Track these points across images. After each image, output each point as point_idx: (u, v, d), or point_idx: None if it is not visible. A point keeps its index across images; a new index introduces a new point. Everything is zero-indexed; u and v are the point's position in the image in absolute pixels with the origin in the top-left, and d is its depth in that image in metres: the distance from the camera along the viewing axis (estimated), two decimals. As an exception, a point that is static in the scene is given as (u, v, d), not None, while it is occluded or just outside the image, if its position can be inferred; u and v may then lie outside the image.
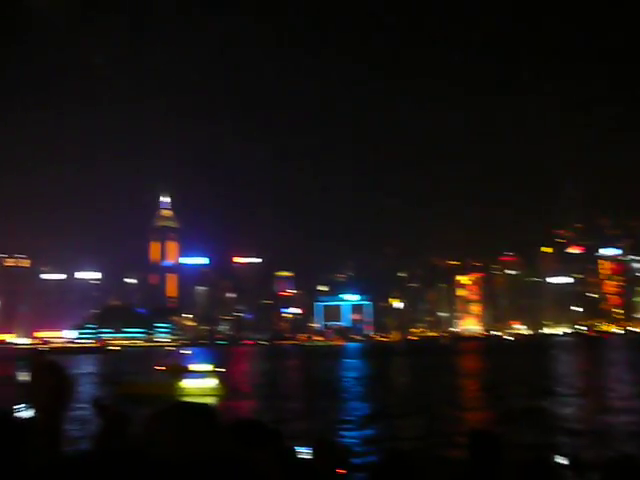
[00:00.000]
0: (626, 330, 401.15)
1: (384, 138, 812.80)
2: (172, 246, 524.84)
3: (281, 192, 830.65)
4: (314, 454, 5.94)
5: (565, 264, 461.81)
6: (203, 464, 2.39)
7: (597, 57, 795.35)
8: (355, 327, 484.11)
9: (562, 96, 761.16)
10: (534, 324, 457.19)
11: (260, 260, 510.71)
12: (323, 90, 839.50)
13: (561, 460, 6.57)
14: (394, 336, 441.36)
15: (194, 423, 2.59)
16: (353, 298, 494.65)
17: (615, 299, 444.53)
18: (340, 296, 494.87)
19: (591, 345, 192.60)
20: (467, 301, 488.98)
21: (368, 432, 34.39)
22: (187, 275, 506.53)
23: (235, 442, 3.62)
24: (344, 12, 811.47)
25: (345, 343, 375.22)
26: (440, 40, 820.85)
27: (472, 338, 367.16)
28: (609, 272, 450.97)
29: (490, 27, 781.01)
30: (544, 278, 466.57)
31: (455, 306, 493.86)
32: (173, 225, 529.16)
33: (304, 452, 5.81)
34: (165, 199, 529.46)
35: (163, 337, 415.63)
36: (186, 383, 55.23)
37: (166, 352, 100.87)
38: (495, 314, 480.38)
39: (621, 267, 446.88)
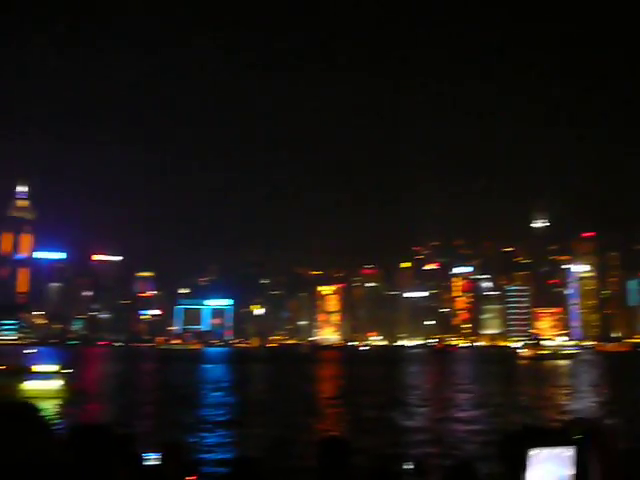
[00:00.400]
0: (472, 344, 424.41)
1: (256, 140, 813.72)
2: (26, 238, 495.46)
3: (149, 192, 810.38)
4: (162, 460, 5.82)
5: (422, 280, 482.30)
6: (14, 469, 2.23)
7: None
8: (215, 332, 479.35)
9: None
10: (390, 336, 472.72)
11: (121, 259, 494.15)
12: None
13: (406, 466, 6.68)
14: (254, 342, 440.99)
15: (8, 426, 2.40)
16: (215, 303, 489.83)
17: (464, 315, 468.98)
18: (202, 300, 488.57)
19: (440, 357, 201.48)
20: (327, 311, 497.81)
21: (219, 439, 34.08)
22: (41, 270, 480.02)
23: (74, 447, 3.37)
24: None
25: (204, 348, 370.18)
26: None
27: (330, 347, 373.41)
28: (460, 289, 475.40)
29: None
30: (401, 292, 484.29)
31: (315, 315, 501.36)
32: (29, 216, 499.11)
33: (152, 458, 5.73)
34: (22, 188, 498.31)
35: (8, 335, 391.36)
36: (28, 384, 52.21)
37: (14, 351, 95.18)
38: (353, 325, 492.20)
39: (471, 285, 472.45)
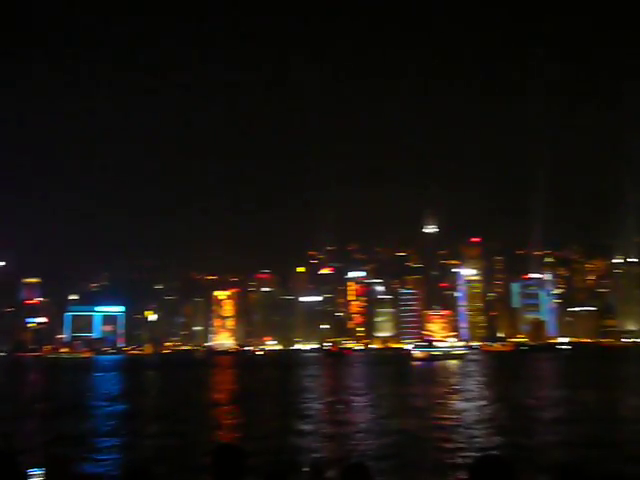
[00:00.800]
0: (366, 347, 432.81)
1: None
2: None
3: (36, 193, 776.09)
4: (47, 475, 5.63)
5: (317, 284, 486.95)
6: None
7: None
8: (107, 339, 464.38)
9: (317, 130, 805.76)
10: (285, 340, 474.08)
11: (3, 264, 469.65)
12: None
13: (303, 469, 6.72)
14: (147, 349, 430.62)
15: None
16: (106, 309, 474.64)
17: (359, 318, 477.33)
18: (92, 306, 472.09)
19: (335, 360, 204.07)
20: (223, 316, 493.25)
21: (108, 450, 33.15)
22: None
23: None
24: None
25: (95, 356, 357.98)
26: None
27: (226, 352, 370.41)
28: (355, 293, 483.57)
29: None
30: (297, 296, 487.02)
31: (211, 320, 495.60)
32: None
33: (37, 474, 5.58)
34: None
35: None
36: None
37: None
38: (249, 329, 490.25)
39: (365, 289, 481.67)
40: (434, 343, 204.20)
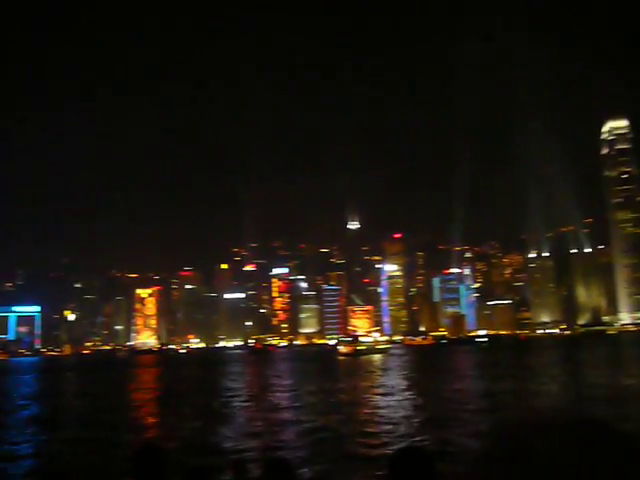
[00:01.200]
0: (290, 343, 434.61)
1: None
2: None
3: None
4: None
5: (240, 281, 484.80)
6: None
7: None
8: (22, 340, 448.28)
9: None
10: (209, 338, 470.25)
11: None
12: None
13: (225, 467, 6.77)
14: (66, 350, 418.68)
15: None
16: (22, 309, 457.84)
17: (283, 315, 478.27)
18: (7, 307, 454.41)
19: (260, 357, 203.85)
20: (145, 314, 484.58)
21: (20, 455, 32.11)
22: None
23: None
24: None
25: (10, 358, 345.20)
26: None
27: (148, 351, 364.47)
28: (279, 290, 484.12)
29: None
30: (221, 293, 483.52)
31: (133, 319, 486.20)
32: None
33: None
34: None
35: None
36: None
37: None
38: (172, 328, 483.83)
39: (289, 285, 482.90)
40: (359, 338, 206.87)
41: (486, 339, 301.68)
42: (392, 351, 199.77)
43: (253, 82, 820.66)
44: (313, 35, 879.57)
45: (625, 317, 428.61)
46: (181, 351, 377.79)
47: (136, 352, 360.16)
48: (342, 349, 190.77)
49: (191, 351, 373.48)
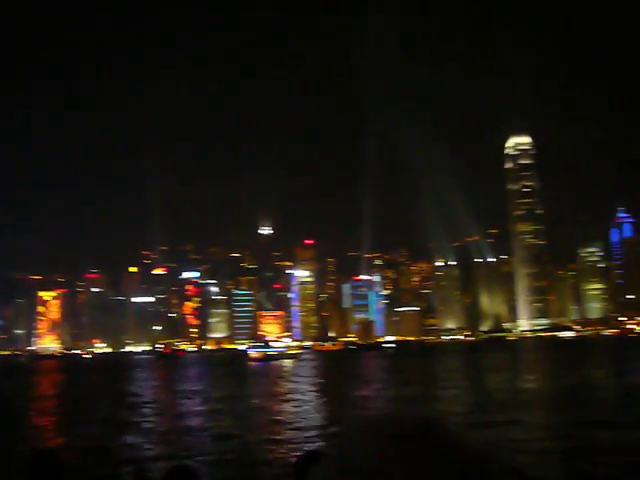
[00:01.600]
0: (199, 348, 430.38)
1: None
2: None
3: None
4: None
5: (150, 284, 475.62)
6: None
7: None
8: None
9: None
10: (116, 342, 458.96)
11: None
12: None
13: (128, 473, 6.78)
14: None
15: None
16: None
17: (192, 319, 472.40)
18: None
19: (168, 362, 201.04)
20: (48, 318, 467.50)
21: None
22: None
23: None
24: None
25: None
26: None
27: (51, 356, 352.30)
28: (189, 294, 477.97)
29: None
30: (129, 297, 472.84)
31: (35, 323, 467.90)
32: None
33: None
34: None
35: None
36: None
37: None
38: (77, 332, 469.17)
39: (199, 290, 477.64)
40: (270, 343, 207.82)
41: (393, 345, 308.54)
42: (303, 357, 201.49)
43: (173, 82, 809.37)
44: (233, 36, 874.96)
45: (524, 324, 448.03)
46: (85, 356, 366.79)
47: (38, 357, 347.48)
48: (253, 354, 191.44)
49: (96, 356, 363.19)
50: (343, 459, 1.53)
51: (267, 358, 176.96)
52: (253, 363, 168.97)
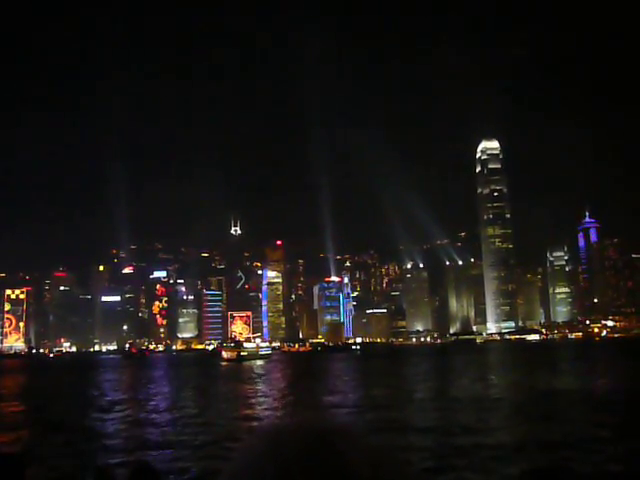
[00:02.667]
0: (169, 347, 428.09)
1: None
2: None
3: None
4: None
5: (118, 283, 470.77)
6: None
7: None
8: None
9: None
10: (83, 341, 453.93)
11: None
12: None
13: (89, 476, 6.80)
14: None
15: None
16: None
17: (161, 319, 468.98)
18: None
19: (135, 362, 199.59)
20: (13, 316, 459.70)
21: None
22: None
23: None
24: None
25: None
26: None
27: (15, 355, 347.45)
28: (158, 293, 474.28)
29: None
30: (97, 296, 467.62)
31: (1, 321, 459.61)
32: None
33: None
34: None
35: None
36: None
37: None
38: (43, 331, 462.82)
39: (168, 289, 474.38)
40: (242, 343, 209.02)
41: (359, 347, 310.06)
42: (273, 357, 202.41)
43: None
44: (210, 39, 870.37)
45: (491, 327, 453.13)
46: (51, 355, 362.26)
47: (1, 356, 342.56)
48: (225, 354, 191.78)
49: (59, 355, 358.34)
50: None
51: (240, 358, 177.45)
52: (225, 363, 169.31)
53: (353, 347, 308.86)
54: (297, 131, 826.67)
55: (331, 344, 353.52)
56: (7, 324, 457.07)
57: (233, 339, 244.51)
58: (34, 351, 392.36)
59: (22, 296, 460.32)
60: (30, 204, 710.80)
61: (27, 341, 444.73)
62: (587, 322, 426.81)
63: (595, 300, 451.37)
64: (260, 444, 1.52)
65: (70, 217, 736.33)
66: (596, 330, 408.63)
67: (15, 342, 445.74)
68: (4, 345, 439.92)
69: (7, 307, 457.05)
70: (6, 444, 34.07)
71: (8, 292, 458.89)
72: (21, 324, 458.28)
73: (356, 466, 1.46)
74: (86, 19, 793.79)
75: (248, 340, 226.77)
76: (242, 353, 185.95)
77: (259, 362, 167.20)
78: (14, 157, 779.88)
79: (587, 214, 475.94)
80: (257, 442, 1.51)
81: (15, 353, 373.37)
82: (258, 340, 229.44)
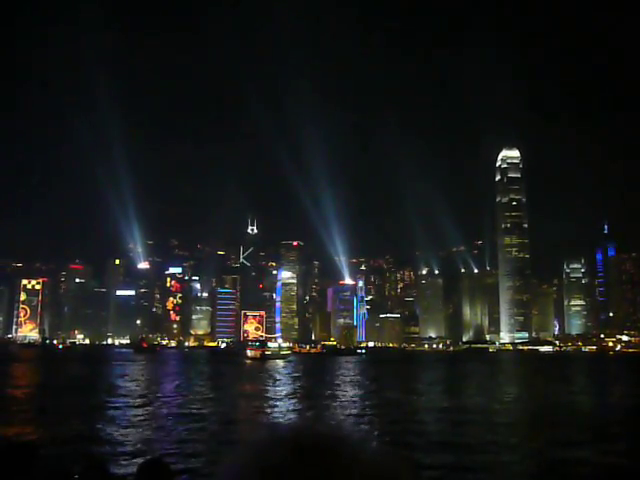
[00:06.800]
0: (179, 343, 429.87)
1: None
2: None
3: None
4: None
5: (134, 278, 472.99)
6: None
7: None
8: None
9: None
10: (96, 334, 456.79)
11: None
12: None
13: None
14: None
15: None
16: None
17: (174, 315, 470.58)
18: None
19: (146, 357, 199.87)
20: (29, 306, 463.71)
21: None
22: None
23: None
24: None
25: None
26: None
27: (29, 345, 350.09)
28: (172, 289, 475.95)
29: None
30: (112, 289, 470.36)
31: (16, 311, 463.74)
32: None
33: None
34: None
35: None
36: None
37: None
38: (57, 322, 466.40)
39: (183, 286, 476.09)
40: (266, 343, 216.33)
41: (364, 351, 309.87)
42: (290, 357, 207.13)
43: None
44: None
45: (505, 336, 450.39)
46: (62, 346, 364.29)
47: (16, 345, 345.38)
48: (250, 353, 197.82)
49: (68, 347, 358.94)
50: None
51: (263, 357, 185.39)
52: (249, 362, 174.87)
53: (358, 351, 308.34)
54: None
55: (343, 347, 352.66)
56: (22, 314, 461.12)
57: (258, 337, 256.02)
58: (47, 342, 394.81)
59: (38, 287, 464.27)
60: (49, 196, 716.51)
61: (41, 331, 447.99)
62: (602, 336, 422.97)
63: (610, 314, 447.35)
64: (247, 452, 1.49)
65: (88, 210, 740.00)
66: (610, 344, 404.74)
67: (29, 332, 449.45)
68: (18, 335, 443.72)
69: (23, 297, 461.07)
70: (14, 434, 34.30)
71: (24, 282, 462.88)
72: (36, 314, 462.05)
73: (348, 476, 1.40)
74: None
75: (269, 340, 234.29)
76: (266, 352, 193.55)
77: (280, 362, 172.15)
78: (35, 148, 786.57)
79: (605, 227, 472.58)
80: (244, 450, 1.49)
81: (29, 343, 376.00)
82: (280, 341, 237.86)
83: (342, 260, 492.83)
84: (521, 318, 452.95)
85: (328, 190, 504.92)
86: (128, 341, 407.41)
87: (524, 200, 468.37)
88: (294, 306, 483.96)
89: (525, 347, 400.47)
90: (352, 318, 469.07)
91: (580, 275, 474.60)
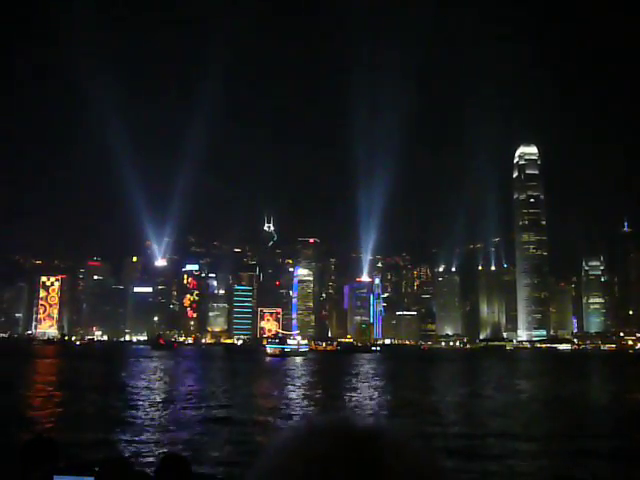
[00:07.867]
0: (196, 340, 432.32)
1: None
2: None
3: None
4: None
5: (151, 275, 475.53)
6: None
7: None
8: None
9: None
10: (114, 331, 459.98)
11: None
12: None
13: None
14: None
15: None
16: None
17: (191, 312, 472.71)
18: None
19: (163, 353, 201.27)
20: (48, 303, 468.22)
21: None
22: None
23: None
24: None
25: None
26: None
27: (49, 341, 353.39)
28: (189, 287, 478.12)
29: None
30: (129, 286, 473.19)
31: (35, 307, 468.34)
32: None
33: None
34: None
35: None
36: None
37: None
38: (75, 318, 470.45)
39: (200, 283, 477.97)
40: (287, 340, 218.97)
41: (379, 349, 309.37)
42: (308, 355, 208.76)
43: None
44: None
45: (522, 334, 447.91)
46: (79, 342, 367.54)
47: (36, 341, 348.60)
48: (270, 350, 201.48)
49: (86, 343, 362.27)
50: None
51: (283, 354, 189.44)
52: (269, 358, 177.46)
53: (373, 348, 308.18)
54: (338, 132, 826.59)
55: (359, 344, 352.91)
56: (41, 310, 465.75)
57: (276, 334, 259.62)
58: (66, 338, 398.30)
59: (57, 284, 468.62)
60: (67, 194, 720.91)
61: (60, 328, 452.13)
62: (621, 334, 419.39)
63: (630, 312, 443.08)
64: (289, 442, 1.49)
65: (106, 208, 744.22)
66: (630, 342, 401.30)
67: (48, 328, 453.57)
68: (38, 331, 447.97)
69: (42, 294, 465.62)
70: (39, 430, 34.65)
71: (43, 279, 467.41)
72: (55, 311, 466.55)
73: (393, 470, 1.41)
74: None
75: (287, 337, 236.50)
76: (286, 349, 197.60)
77: (298, 359, 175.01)
78: (54, 145, 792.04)
79: (625, 224, 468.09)
80: (286, 440, 1.49)
81: (48, 339, 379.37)
82: (298, 338, 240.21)
83: (363, 257, 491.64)
84: (539, 316, 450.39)
85: (346, 189, 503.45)
86: (145, 338, 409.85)
87: (542, 197, 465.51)
88: (310, 303, 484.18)
89: (543, 345, 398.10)
90: (368, 315, 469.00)
91: (599, 273, 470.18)
